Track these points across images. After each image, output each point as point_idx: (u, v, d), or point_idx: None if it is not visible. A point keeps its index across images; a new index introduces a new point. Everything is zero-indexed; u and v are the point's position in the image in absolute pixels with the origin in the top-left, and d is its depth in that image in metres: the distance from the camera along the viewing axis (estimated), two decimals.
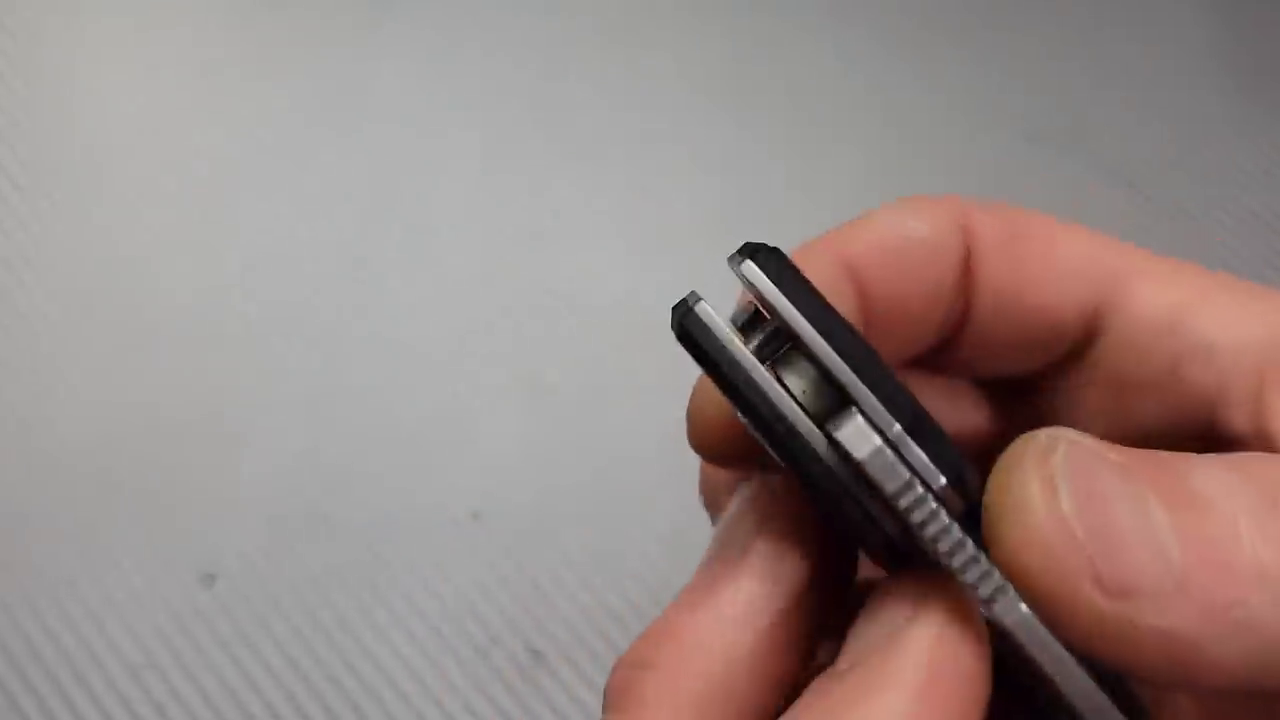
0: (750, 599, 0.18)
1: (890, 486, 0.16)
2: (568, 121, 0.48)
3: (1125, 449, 0.17)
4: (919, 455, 0.16)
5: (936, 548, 0.16)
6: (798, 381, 0.17)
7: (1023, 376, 0.24)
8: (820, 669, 0.18)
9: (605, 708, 0.18)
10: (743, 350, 0.16)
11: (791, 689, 0.18)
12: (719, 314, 0.17)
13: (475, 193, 0.46)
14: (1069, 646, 0.17)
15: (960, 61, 0.51)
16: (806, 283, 0.17)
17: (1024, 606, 0.16)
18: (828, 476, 0.16)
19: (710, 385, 0.18)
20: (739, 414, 0.17)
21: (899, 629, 0.17)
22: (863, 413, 0.16)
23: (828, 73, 0.50)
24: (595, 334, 0.42)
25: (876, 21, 0.52)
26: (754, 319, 0.17)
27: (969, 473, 0.17)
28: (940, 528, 0.16)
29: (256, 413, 0.40)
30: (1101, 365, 0.22)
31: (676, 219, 0.45)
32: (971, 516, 0.17)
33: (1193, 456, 0.17)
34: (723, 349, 0.16)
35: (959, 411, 0.25)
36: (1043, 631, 0.17)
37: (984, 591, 0.16)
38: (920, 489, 0.16)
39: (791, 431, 0.16)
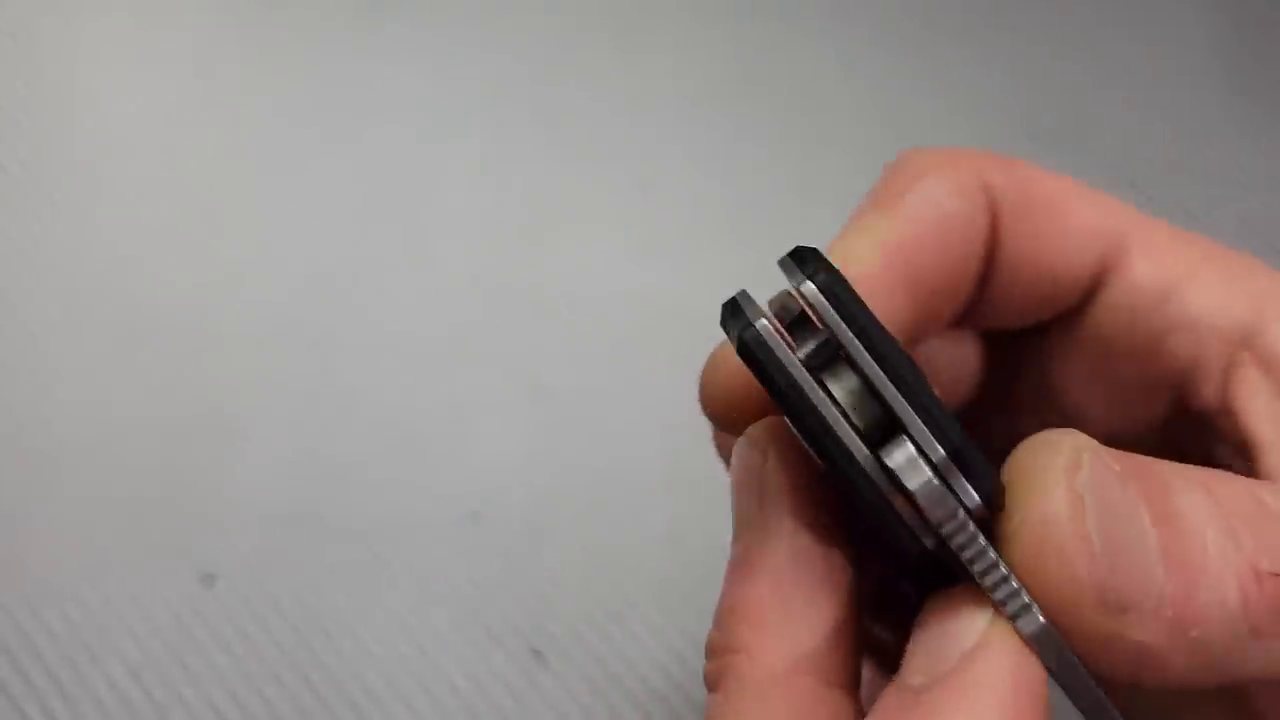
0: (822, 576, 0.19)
1: (937, 515, 0.17)
2: (567, 122, 0.48)
3: (1120, 455, 0.18)
4: (961, 482, 0.17)
5: (972, 567, 0.17)
6: (844, 391, 0.18)
7: (1019, 329, 0.24)
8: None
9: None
10: (804, 374, 0.18)
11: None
12: (764, 304, 0.18)
13: (475, 193, 0.46)
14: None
15: (962, 62, 0.51)
16: (859, 302, 0.18)
17: (1042, 618, 0.17)
18: (873, 490, 0.18)
19: (725, 356, 0.20)
20: (789, 422, 0.19)
21: (977, 647, 0.17)
22: (913, 440, 0.17)
23: (828, 72, 0.50)
24: (595, 334, 0.42)
25: (878, 21, 0.52)
26: (800, 319, 0.18)
27: (997, 484, 0.18)
28: (977, 550, 0.17)
29: (256, 413, 0.40)
30: (1093, 327, 0.23)
31: (677, 219, 0.45)
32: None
33: (1175, 466, 0.18)
34: (783, 369, 0.18)
35: (959, 359, 0.26)
36: (1060, 642, 0.17)
37: (1011, 608, 0.17)
38: (961, 515, 0.17)
39: (847, 456, 0.17)
